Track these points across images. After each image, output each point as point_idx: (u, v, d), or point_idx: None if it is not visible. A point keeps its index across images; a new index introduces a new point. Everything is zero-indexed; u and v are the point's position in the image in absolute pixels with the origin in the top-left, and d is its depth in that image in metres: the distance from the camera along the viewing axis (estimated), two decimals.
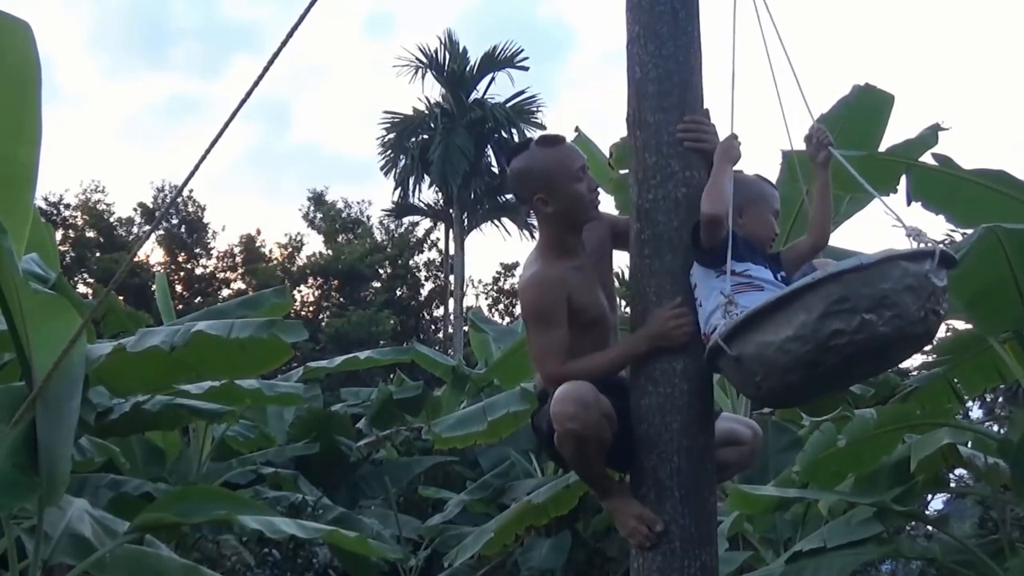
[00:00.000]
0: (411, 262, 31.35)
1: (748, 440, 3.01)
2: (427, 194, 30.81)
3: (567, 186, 2.86)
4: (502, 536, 6.90)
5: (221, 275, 30.33)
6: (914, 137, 5.06)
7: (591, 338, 2.85)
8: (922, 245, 2.52)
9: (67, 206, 28.53)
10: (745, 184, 2.87)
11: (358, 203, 33.49)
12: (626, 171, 3.35)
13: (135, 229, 29.15)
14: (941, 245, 2.54)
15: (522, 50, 29.36)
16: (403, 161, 29.96)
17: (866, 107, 5.51)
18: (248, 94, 3.17)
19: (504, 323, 19.04)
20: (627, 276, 3.01)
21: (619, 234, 3.03)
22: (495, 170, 29.99)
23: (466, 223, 29.96)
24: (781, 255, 2.89)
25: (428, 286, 31.88)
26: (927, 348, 6.75)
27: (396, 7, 48.56)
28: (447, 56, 29.42)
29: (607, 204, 5.95)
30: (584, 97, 47.18)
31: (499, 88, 36.20)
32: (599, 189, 2.96)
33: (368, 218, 32.74)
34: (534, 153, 2.93)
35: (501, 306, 31.45)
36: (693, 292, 2.76)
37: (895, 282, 2.41)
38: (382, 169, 30.17)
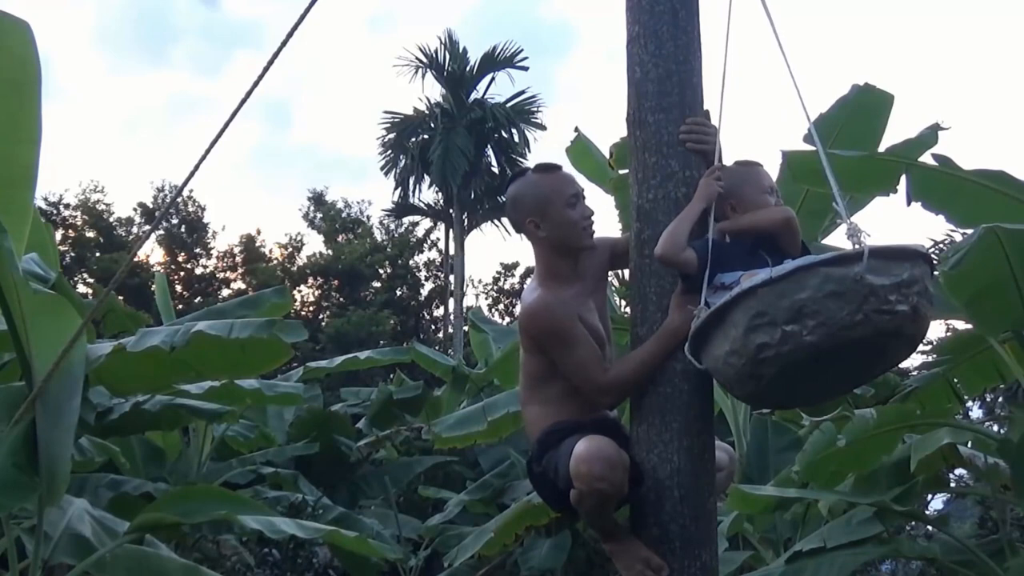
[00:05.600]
0: (411, 262, 31.37)
1: (726, 465, 3.01)
2: (427, 194, 30.90)
3: (558, 211, 2.85)
4: (502, 536, 6.90)
5: (221, 275, 30.37)
6: (914, 137, 5.06)
7: None
8: (856, 245, 2.46)
9: (67, 206, 28.58)
10: (727, 175, 2.83)
11: (358, 203, 33.62)
12: (626, 171, 3.34)
13: (135, 229, 29.17)
14: (903, 243, 2.47)
15: (522, 50, 29.47)
16: (403, 161, 29.99)
17: (866, 107, 5.50)
18: (248, 93, 3.17)
19: (504, 323, 19.03)
20: (627, 276, 3.00)
21: (619, 254, 3.00)
22: (495, 170, 30.03)
23: (466, 223, 29.98)
24: None
25: (428, 286, 31.94)
26: (927, 347, 6.79)
27: (396, 7, 48.62)
28: (447, 56, 29.46)
29: (607, 204, 5.97)
30: (584, 97, 47.23)
31: (499, 88, 36.28)
32: (593, 218, 2.91)
33: (368, 218, 32.83)
34: (529, 178, 2.95)
35: (501, 306, 31.49)
36: None
37: (814, 290, 2.36)
38: (382, 169, 30.25)
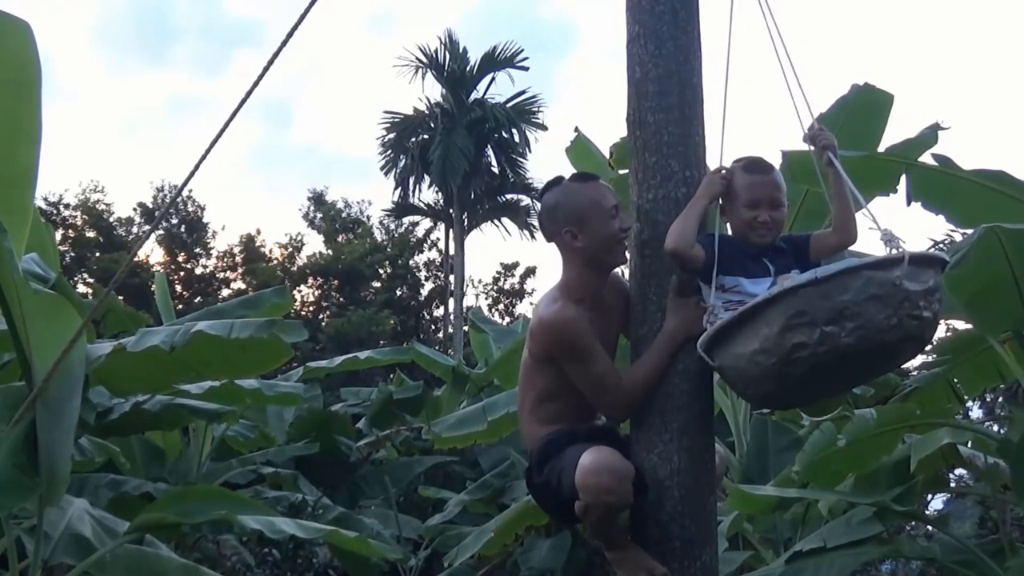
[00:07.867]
0: (411, 262, 31.33)
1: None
2: (427, 194, 30.89)
3: (600, 222, 2.78)
4: (502, 536, 6.90)
5: (221, 275, 30.31)
6: (914, 137, 5.06)
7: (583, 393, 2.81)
8: (893, 251, 2.49)
9: (67, 206, 28.51)
10: (733, 174, 2.81)
11: (358, 203, 33.49)
12: (626, 171, 3.34)
13: (135, 229, 29.14)
14: (930, 250, 2.52)
15: (522, 50, 29.45)
16: (403, 161, 29.98)
17: (866, 107, 5.50)
18: (249, 93, 3.17)
19: (504, 323, 19.03)
20: (627, 276, 3.00)
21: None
22: (495, 170, 30.06)
23: (466, 223, 29.97)
24: (811, 241, 2.84)
25: (428, 286, 31.88)
26: (927, 347, 6.79)
27: (396, 7, 48.59)
28: (447, 56, 29.45)
29: None
30: (584, 97, 47.23)
31: (499, 88, 36.25)
32: (628, 231, 2.86)
33: (368, 218, 32.76)
34: (569, 187, 2.86)
35: (501, 306, 31.45)
36: None
37: (856, 293, 2.39)
38: (382, 169, 30.24)
